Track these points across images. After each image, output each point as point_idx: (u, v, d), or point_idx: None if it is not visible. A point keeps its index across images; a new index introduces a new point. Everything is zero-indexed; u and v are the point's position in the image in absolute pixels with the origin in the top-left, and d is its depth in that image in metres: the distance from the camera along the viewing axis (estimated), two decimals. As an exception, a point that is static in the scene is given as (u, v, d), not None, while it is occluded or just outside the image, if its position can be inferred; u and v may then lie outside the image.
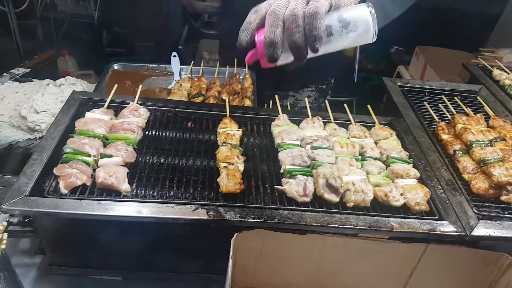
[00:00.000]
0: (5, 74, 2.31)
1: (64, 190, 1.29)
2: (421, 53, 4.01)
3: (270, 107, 2.15)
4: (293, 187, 1.38)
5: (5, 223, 1.21)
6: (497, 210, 1.47)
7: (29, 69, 2.40)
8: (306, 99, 1.85)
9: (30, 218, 1.41)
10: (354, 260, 1.44)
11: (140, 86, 1.76)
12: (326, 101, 1.86)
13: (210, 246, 1.44)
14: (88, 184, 1.34)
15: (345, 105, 1.88)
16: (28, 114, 1.91)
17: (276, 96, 1.87)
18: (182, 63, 2.33)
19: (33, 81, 2.29)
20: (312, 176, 1.44)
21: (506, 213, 1.46)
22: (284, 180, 1.43)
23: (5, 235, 1.19)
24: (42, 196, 1.28)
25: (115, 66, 2.31)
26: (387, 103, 2.20)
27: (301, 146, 1.58)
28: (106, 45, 4.89)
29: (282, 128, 1.64)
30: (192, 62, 2.30)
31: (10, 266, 1.27)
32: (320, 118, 1.72)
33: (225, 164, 1.43)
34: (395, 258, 1.44)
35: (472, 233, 1.36)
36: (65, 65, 4.11)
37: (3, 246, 1.17)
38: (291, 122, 1.71)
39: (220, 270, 1.44)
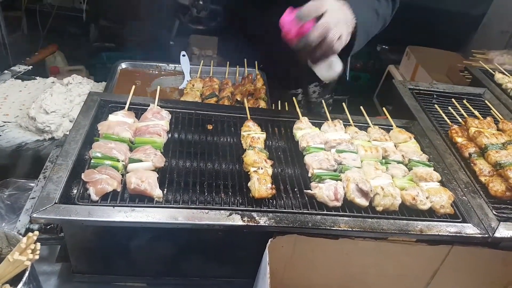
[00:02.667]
0: (5, 71, 2.21)
1: (95, 197, 1.26)
2: (412, 53, 4.09)
3: (279, 107, 2.16)
4: (324, 191, 1.39)
5: (37, 232, 1.16)
6: (514, 211, 1.53)
7: (31, 66, 2.31)
8: (323, 101, 1.86)
9: (52, 225, 1.38)
10: (380, 262, 1.47)
11: (158, 88, 1.72)
12: (344, 104, 1.88)
13: (237, 251, 1.44)
14: (119, 190, 1.31)
15: (361, 107, 1.90)
16: (37, 114, 1.85)
17: (294, 98, 1.87)
18: (175, 59, 2.29)
19: (36, 79, 2.22)
20: (340, 180, 1.45)
21: (523, 214, 1.51)
22: (313, 184, 1.44)
23: (38, 245, 1.15)
24: (72, 203, 1.25)
25: (123, 65, 2.26)
26: (396, 105, 2.24)
27: (325, 149, 1.59)
28: (95, 39, 4.77)
29: (304, 131, 1.65)
30: (202, 61, 2.27)
31: (37, 277, 1.23)
32: (341, 121, 1.73)
33: (255, 169, 1.42)
34: (420, 260, 1.48)
35: (494, 235, 1.40)
36: (53, 60, 3.96)
37: (37, 257, 1.13)
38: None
39: (246, 274, 1.45)
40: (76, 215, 1.20)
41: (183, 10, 5.04)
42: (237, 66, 2.30)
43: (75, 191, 1.30)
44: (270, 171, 1.45)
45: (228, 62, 2.31)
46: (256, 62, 2.33)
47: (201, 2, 5.05)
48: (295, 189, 1.46)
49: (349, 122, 1.79)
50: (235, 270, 1.49)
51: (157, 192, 1.28)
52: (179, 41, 5.14)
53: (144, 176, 1.29)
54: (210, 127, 1.69)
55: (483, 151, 1.72)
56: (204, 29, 5.27)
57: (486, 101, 2.19)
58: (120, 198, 1.29)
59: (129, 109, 1.63)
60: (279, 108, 2.13)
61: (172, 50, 4.70)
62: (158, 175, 1.35)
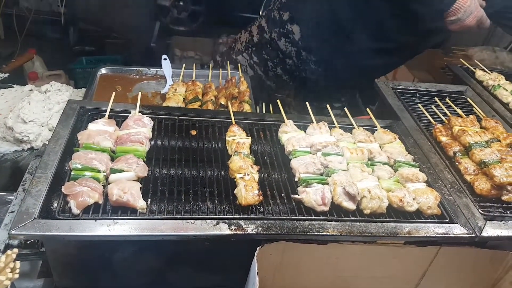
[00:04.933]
0: (-20, 80, 2.14)
1: (76, 210, 1.22)
2: (394, 51, 4.10)
3: (264, 110, 2.15)
4: (311, 196, 1.37)
5: (16, 250, 1.11)
6: (499, 209, 1.54)
7: (8, 74, 2.23)
8: (307, 103, 1.85)
9: (33, 240, 1.33)
10: (370, 266, 1.46)
11: (140, 94, 1.68)
12: (328, 106, 1.86)
13: (226, 260, 1.42)
14: (100, 202, 1.27)
15: (345, 108, 1.89)
16: (15, 124, 1.79)
17: (278, 101, 1.85)
18: (157, 60, 2.25)
19: (13, 87, 2.14)
20: (327, 184, 1.44)
21: (508, 212, 1.53)
22: (300, 189, 1.42)
23: (18, 263, 1.10)
24: (53, 217, 1.20)
25: (103, 70, 2.20)
26: (380, 105, 2.24)
27: (311, 153, 1.57)
28: (74, 43, 4.66)
29: (290, 134, 1.63)
30: (184, 65, 2.23)
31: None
32: (326, 124, 1.72)
33: (241, 175, 1.40)
34: (409, 262, 1.48)
35: (481, 234, 1.41)
36: (32, 66, 3.85)
37: (16, 276, 1.09)
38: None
39: (235, 283, 1.43)
40: (57, 230, 1.16)
41: (164, 11, 5.01)
42: (220, 69, 2.27)
43: (55, 205, 1.26)
44: (256, 177, 1.43)
45: (211, 65, 2.27)
46: (239, 64, 2.31)
47: (181, 3, 5.01)
48: (282, 194, 1.44)
49: (334, 124, 1.78)
50: (224, 279, 1.46)
51: (140, 203, 1.25)
52: (160, 43, 5.09)
53: (127, 187, 1.25)
54: (194, 132, 1.66)
55: (467, 150, 1.73)
56: (185, 30, 5.23)
57: (468, 99, 2.21)
58: (102, 211, 1.25)
59: (109, 116, 1.59)
60: (264, 111, 2.12)
61: (153, 52, 4.64)
62: (141, 185, 1.32)
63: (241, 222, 1.28)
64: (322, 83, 2.25)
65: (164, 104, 1.94)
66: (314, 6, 2.28)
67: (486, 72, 2.46)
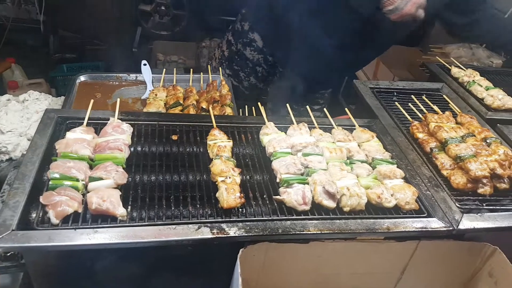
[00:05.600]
0: (-43, 91, 2.11)
1: (55, 220, 1.21)
2: (373, 51, 4.15)
3: (246, 113, 2.16)
4: (292, 196, 1.39)
5: (-6, 263, 1.11)
6: (475, 202, 1.58)
7: (-16, 84, 2.20)
8: (287, 105, 1.87)
9: (13, 252, 1.32)
10: (352, 262, 1.49)
11: (118, 100, 1.68)
12: (308, 107, 1.89)
13: (209, 263, 1.42)
14: (80, 211, 1.26)
15: (325, 109, 1.92)
16: (-8, 135, 1.77)
17: (259, 103, 1.87)
18: (138, 66, 2.26)
19: (-10, 97, 2.12)
20: (308, 183, 1.46)
21: (484, 204, 1.57)
22: (281, 189, 1.44)
23: (-3, 275, 1.09)
24: (31, 228, 1.19)
25: (82, 78, 2.19)
26: (359, 105, 2.27)
27: (292, 154, 1.59)
28: (54, 50, 4.62)
29: (271, 136, 1.65)
30: (164, 70, 2.23)
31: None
32: (306, 124, 1.74)
33: (222, 178, 1.41)
34: (389, 257, 1.50)
35: (459, 227, 1.44)
36: (11, 75, 3.80)
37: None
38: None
39: (220, 286, 1.44)
40: (36, 241, 1.15)
41: (146, 16, 5.00)
42: (201, 73, 2.28)
43: (34, 215, 1.25)
44: (238, 179, 1.44)
45: (191, 69, 2.28)
46: (220, 68, 2.32)
47: (163, 8, 5.01)
48: (264, 196, 1.45)
49: (314, 125, 1.80)
50: (208, 282, 1.47)
51: (120, 211, 1.25)
52: (142, 48, 5.07)
53: (106, 195, 1.25)
54: (175, 137, 1.66)
55: (443, 145, 1.77)
56: (168, 34, 5.22)
57: (444, 96, 2.26)
58: (82, 220, 1.24)
59: (88, 124, 1.58)
60: (247, 114, 2.13)
61: (135, 57, 4.62)
62: (121, 193, 1.32)
63: (223, 225, 1.29)
64: (296, 85, 2.28)
65: (145, 110, 1.93)
66: (269, 13, 2.33)
67: (462, 69, 2.52)
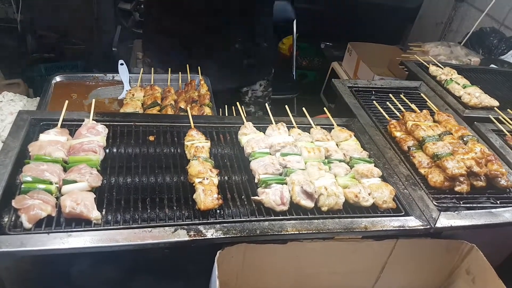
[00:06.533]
0: None
1: (27, 224, 1.18)
2: (353, 49, 4.19)
3: (226, 112, 2.15)
4: (270, 196, 1.39)
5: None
6: (453, 200, 1.60)
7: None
8: (267, 104, 1.86)
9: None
10: (331, 262, 1.49)
11: (94, 101, 1.65)
12: (287, 106, 1.89)
13: (188, 265, 1.41)
14: (54, 214, 1.23)
15: (303, 108, 1.92)
16: (-37, 137, 1.72)
17: (238, 103, 1.86)
18: (117, 65, 2.23)
19: (-37, 98, 2.06)
20: (286, 183, 1.46)
21: (461, 202, 1.59)
22: (260, 190, 1.43)
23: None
24: (3, 233, 1.16)
25: (58, 78, 2.14)
26: (338, 104, 2.28)
27: (270, 154, 1.58)
28: (32, 50, 4.52)
29: (249, 136, 1.64)
30: (142, 69, 2.20)
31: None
32: (284, 124, 1.74)
33: (199, 180, 1.39)
34: (368, 256, 1.51)
35: (436, 225, 1.46)
36: (-13, 76, 3.71)
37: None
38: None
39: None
40: (7, 246, 1.12)
41: (125, 15, 4.93)
42: (180, 73, 2.25)
43: (6, 220, 1.21)
44: (216, 180, 1.43)
45: (169, 69, 2.25)
46: (199, 67, 2.30)
47: (142, 6, 4.95)
48: (243, 197, 1.45)
49: (293, 124, 1.80)
50: (187, 285, 1.45)
51: (94, 214, 1.23)
52: (122, 47, 5.01)
53: (80, 198, 1.23)
54: (152, 138, 1.64)
55: (421, 144, 1.79)
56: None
57: (422, 94, 2.29)
58: (55, 224, 1.22)
59: (63, 126, 1.55)
60: (226, 114, 2.12)
61: (115, 57, 4.55)
62: (95, 196, 1.29)
63: (200, 227, 1.27)
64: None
65: (122, 110, 1.91)
66: None
67: (439, 67, 2.55)
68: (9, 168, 1.34)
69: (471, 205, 1.58)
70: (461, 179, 1.62)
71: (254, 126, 1.72)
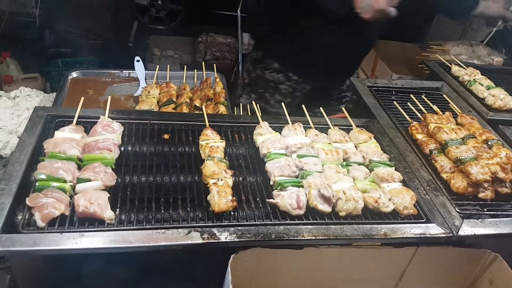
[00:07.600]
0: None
1: (41, 223, 1.17)
2: (371, 47, 4.10)
3: (241, 111, 2.12)
4: (286, 200, 1.35)
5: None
6: (476, 207, 1.54)
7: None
8: (282, 104, 1.82)
9: (-1, 254, 1.28)
10: (347, 268, 1.45)
11: (109, 98, 1.63)
12: (303, 106, 1.84)
13: (200, 268, 1.38)
14: (67, 213, 1.22)
15: (320, 108, 1.87)
16: (-20, 132, 1.72)
17: (254, 102, 1.82)
18: (133, 60, 2.21)
19: (-19, 92, 2.07)
20: (302, 186, 1.42)
21: (485, 210, 1.52)
22: (275, 192, 1.40)
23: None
24: (16, 231, 1.15)
25: (74, 74, 2.14)
26: (357, 104, 2.23)
27: (286, 155, 1.55)
28: (50, 45, 4.56)
29: (265, 136, 1.60)
30: (158, 66, 2.18)
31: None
32: (301, 124, 1.70)
33: (214, 180, 1.36)
34: (386, 263, 1.46)
35: (458, 234, 1.40)
36: (6, 69, 3.75)
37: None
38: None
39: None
40: (20, 245, 1.11)
41: (142, 10, 4.94)
42: (195, 70, 2.23)
43: (20, 218, 1.21)
44: (230, 182, 1.40)
45: (185, 66, 2.23)
46: (214, 64, 2.27)
47: (160, 2, 4.96)
48: (257, 199, 1.41)
49: (309, 125, 1.76)
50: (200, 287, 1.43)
51: (108, 214, 1.21)
52: (139, 43, 5.01)
53: (93, 197, 1.21)
54: (166, 136, 1.62)
55: (443, 147, 1.73)
56: (164, 29, 5.17)
57: (444, 95, 2.21)
58: (68, 223, 1.20)
59: (78, 122, 1.54)
60: (241, 113, 2.09)
61: (131, 52, 4.56)
62: (109, 195, 1.27)
63: (214, 230, 1.25)
64: (321, 87, 2.36)
65: (137, 107, 1.89)
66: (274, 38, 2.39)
67: (462, 67, 2.47)
68: (24, 165, 1.33)
69: (495, 212, 1.52)
70: (485, 185, 1.56)
71: (270, 126, 1.68)
